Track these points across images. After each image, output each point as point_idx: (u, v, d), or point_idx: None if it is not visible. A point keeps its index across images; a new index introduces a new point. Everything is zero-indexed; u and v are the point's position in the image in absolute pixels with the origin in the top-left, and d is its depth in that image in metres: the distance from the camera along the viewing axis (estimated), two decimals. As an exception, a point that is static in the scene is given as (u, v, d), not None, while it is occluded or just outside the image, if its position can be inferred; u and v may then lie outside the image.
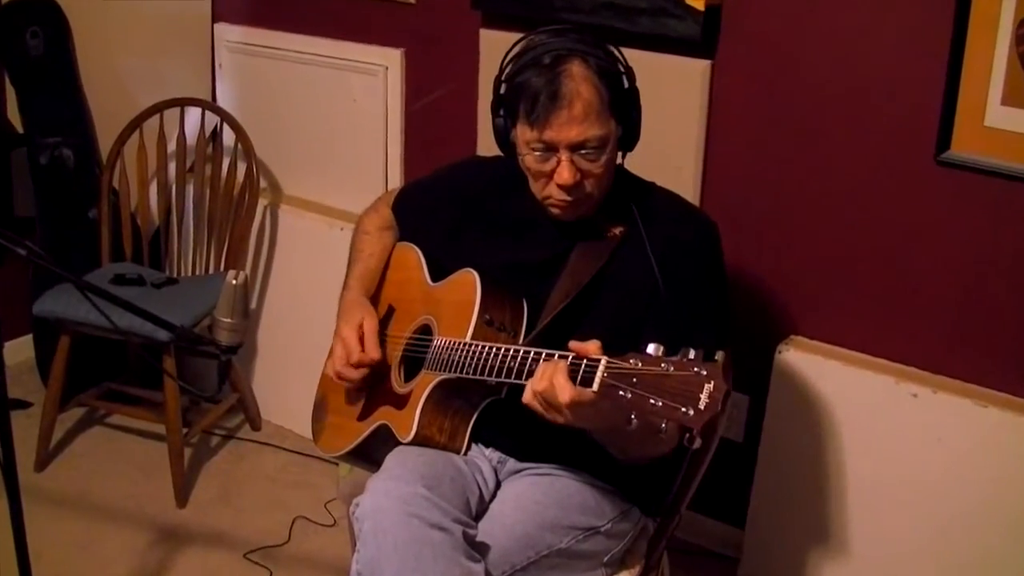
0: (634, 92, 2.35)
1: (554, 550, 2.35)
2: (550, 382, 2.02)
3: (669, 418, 1.83)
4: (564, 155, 2.27)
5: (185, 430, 3.84)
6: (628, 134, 2.36)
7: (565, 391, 1.99)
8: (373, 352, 2.53)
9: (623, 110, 2.32)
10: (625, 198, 2.43)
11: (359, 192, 3.84)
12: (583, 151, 2.27)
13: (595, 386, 1.93)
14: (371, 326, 2.57)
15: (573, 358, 2.02)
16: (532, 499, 2.40)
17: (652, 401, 1.84)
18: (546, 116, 2.24)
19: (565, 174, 2.28)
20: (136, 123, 4.02)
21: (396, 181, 3.88)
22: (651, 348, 1.89)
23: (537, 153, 2.30)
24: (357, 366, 2.53)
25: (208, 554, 3.54)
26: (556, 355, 2.08)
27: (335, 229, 3.87)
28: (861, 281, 3.07)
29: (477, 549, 2.25)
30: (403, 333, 2.60)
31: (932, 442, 2.90)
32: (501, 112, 2.38)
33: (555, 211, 2.39)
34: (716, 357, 1.84)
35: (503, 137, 2.40)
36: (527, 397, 2.08)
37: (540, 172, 2.32)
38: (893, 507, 3.00)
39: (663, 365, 1.86)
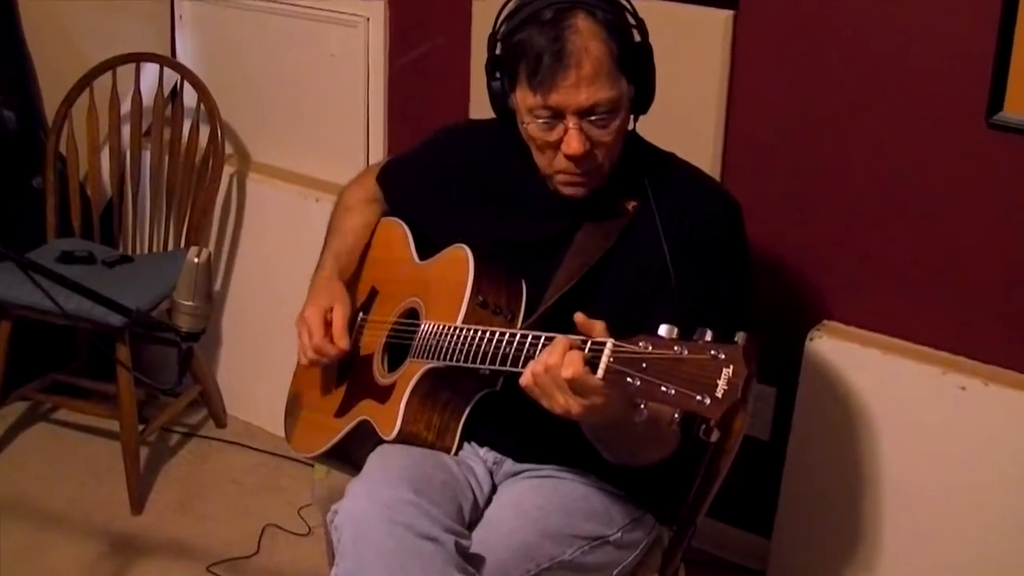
0: (647, 47, 2.35)
1: (557, 562, 2.35)
2: (561, 357, 2.01)
3: (683, 408, 1.82)
4: (572, 122, 2.26)
5: (141, 427, 3.85)
6: (641, 95, 2.35)
7: (571, 365, 1.98)
8: (341, 342, 2.54)
9: (635, 68, 2.31)
10: (638, 169, 2.43)
11: (337, 159, 3.84)
12: (593, 117, 2.26)
13: (600, 372, 1.93)
14: (340, 312, 2.57)
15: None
16: (532, 505, 2.40)
17: (664, 388, 1.83)
18: (551, 79, 2.23)
19: (574, 144, 2.27)
20: (86, 81, 4.01)
21: (378, 145, 3.88)
22: (663, 330, 1.88)
23: (541, 121, 2.29)
24: (317, 352, 2.54)
25: (167, 567, 3.54)
26: (557, 338, 2.06)
27: (309, 200, 3.88)
28: (902, 259, 3.07)
29: (471, 561, 2.25)
30: (387, 317, 2.61)
31: (983, 441, 2.91)
32: (497, 75, 2.38)
33: (565, 189, 2.39)
34: (736, 338, 1.83)
35: (500, 103, 2.39)
36: (525, 379, 2.06)
37: (545, 143, 2.32)
38: (938, 514, 3.00)
39: (676, 348, 1.85)
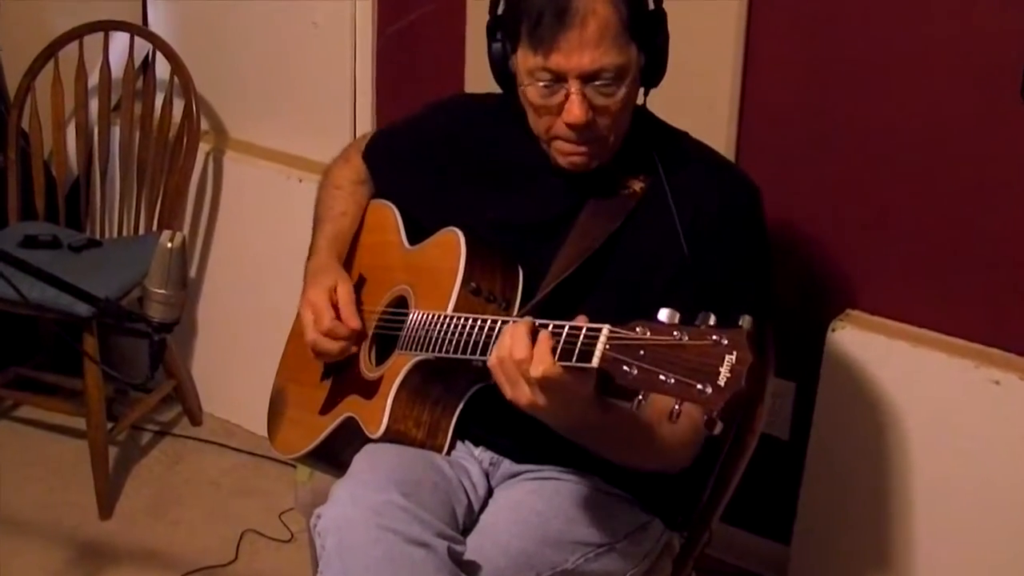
0: (661, 14, 2.34)
1: (558, 571, 2.36)
2: (528, 348, 1.99)
3: (683, 398, 1.81)
4: (574, 86, 2.26)
5: (110, 425, 3.86)
6: (652, 65, 2.34)
7: (542, 362, 1.96)
8: (352, 320, 2.54)
9: (646, 35, 2.31)
10: (647, 146, 2.43)
11: (321, 136, 3.84)
12: (597, 82, 2.26)
13: (595, 360, 1.92)
14: (346, 290, 2.57)
15: (569, 327, 1.99)
16: (532, 509, 2.40)
17: (662, 377, 1.83)
18: (552, 38, 2.23)
19: (575, 110, 2.27)
20: (50, 51, 4.01)
21: (365, 122, 3.88)
22: (663, 314, 1.87)
23: (541, 84, 2.28)
24: (328, 335, 2.53)
25: (138, 576, 3.55)
26: (551, 326, 2.05)
27: (292, 180, 3.88)
28: (932, 243, 3.07)
29: (465, 569, 2.26)
30: (374, 307, 2.61)
31: (1019, 439, 2.91)
32: (499, 35, 2.38)
33: (563, 161, 2.38)
34: (740, 322, 1.82)
35: (501, 66, 2.39)
36: (491, 359, 2.06)
37: (544, 107, 2.31)
38: (971, 519, 3.01)
39: (676, 334, 1.84)
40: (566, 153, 2.37)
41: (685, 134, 2.53)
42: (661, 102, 2.48)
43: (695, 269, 2.33)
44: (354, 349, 2.56)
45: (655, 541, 2.54)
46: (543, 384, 1.98)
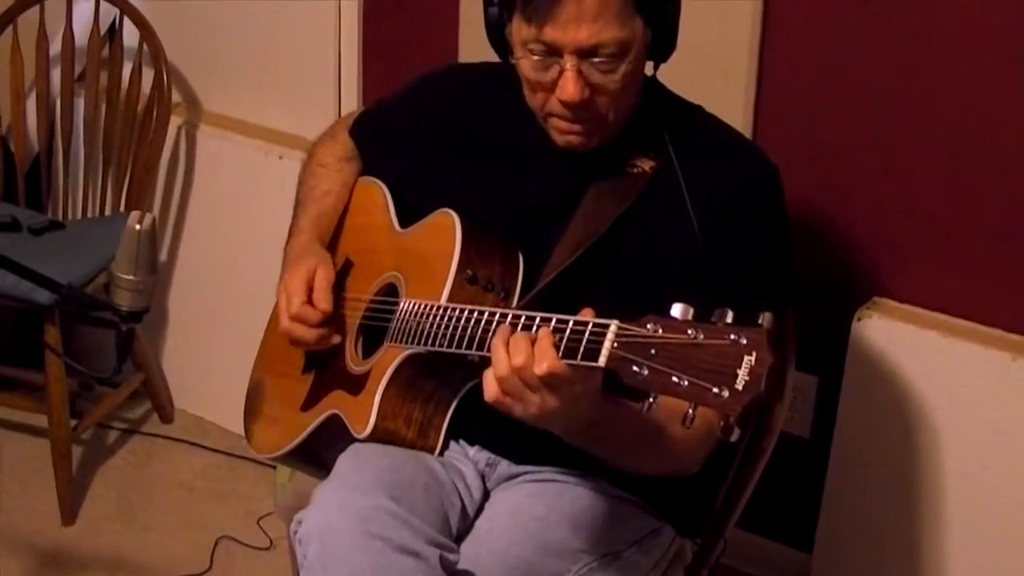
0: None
1: (561, 581, 2.37)
2: (529, 355, 1.97)
3: (697, 401, 1.81)
4: (569, 62, 2.25)
5: (74, 422, 3.86)
6: (660, 39, 2.34)
7: (545, 359, 1.95)
8: (322, 303, 2.53)
9: (653, 6, 2.31)
10: (657, 123, 2.43)
11: (303, 109, 3.84)
12: (595, 59, 2.25)
13: (602, 359, 1.92)
14: (324, 275, 2.57)
15: (574, 323, 1.99)
16: (531, 514, 2.41)
17: (675, 379, 1.82)
18: (548, 8, 2.23)
19: (569, 88, 2.26)
20: (8, 17, 4.01)
21: (351, 93, 3.88)
22: (676, 310, 1.87)
23: (536, 57, 2.28)
24: (296, 320, 2.53)
25: (105, 586, 3.56)
26: (554, 320, 2.05)
27: (271, 157, 3.88)
28: (966, 225, 3.07)
29: (459, 580, 2.27)
30: (362, 295, 2.61)
31: (1060, 438, 2.92)
32: (495, 0, 2.38)
33: (560, 140, 2.39)
34: (760, 320, 1.81)
35: (496, 33, 2.39)
36: (490, 393, 2.04)
37: (538, 82, 2.31)
38: (1009, 525, 3.01)
39: (690, 332, 1.83)
40: (562, 131, 2.37)
41: (698, 108, 2.53)
42: (670, 72, 2.48)
43: (709, 256, 2.33)
44: (337, 339, 2.56)
45: (665, 549, 2.54)
46: (549, 382, 1.96)
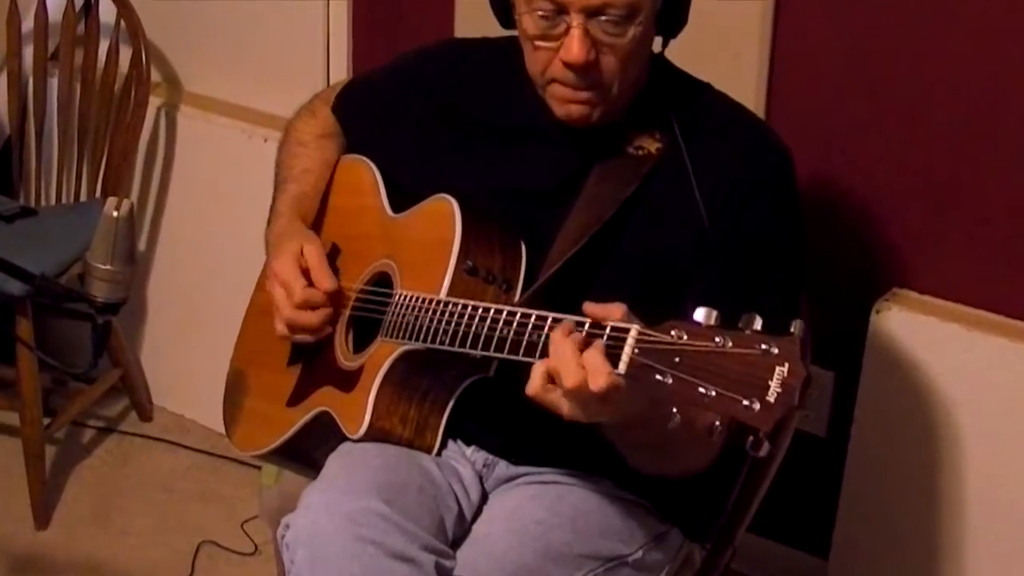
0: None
1: (564, 589, 2.37)
2: (579, 365, 1.96)
3: (726, 414, 1.80)
4: (576, 20, 2.24)
5: (47, 421, 3.86)
6: (671, 10, 2.34)
7: (600, 374, 1.92)
8: (326, 282, 2.53)
9: None
10: (663, 102, 2.43)
11: (289, 89, 3.81)
12: (603, 17, 2.24)
13: (621, 367, 1.90)
14: (314, 250, 2.56)
15: (590, 326, 1.99)
16: (532, 518, 2.40)
17: (702, 390, 1.80)
18: None
19: (575, 47, 2.25)
20: (-24, -9, 4.00)
21: (339, 72, 3.89)
22: (700, 314, 1.85)
23: (540, 14, 2.27)
24: (303, 306, 2.52)
25: (80, 593, 3.56)
26: (563, 320, 2.04)
27: (255, 140, 3.89)
28: (991, 212, 3.07)
29: (455, 587, 2.27)
30: (351, 283, 2.60)
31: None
32: None
33: (560, 110, 2.38)
34: (792, 327, 1.80)
35: None
36: (533, 388, 2.04)
37: (542, 41, 2.30)
38: (1034, 527, 3.01)
39: (717, 339, 1.82)
40: (563, 99, 2.35)
41: (707, 86, 2.52)
42: (678, 48, 2.47)
43: (717, 244, 2.33)
44: (329, 329, 2.55)
45: (673, 554, 2.54)
46: (605, 397, 1.94)
